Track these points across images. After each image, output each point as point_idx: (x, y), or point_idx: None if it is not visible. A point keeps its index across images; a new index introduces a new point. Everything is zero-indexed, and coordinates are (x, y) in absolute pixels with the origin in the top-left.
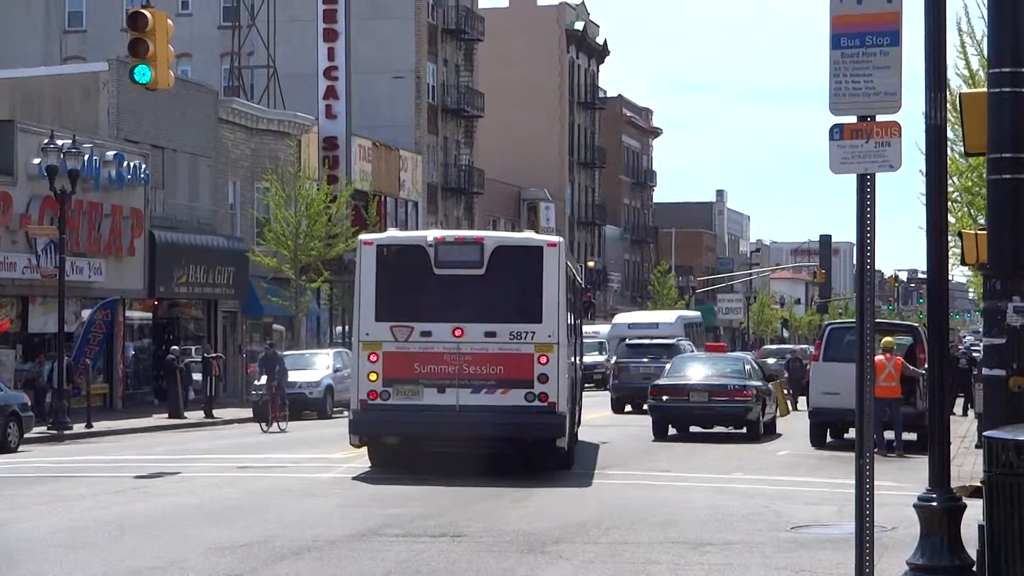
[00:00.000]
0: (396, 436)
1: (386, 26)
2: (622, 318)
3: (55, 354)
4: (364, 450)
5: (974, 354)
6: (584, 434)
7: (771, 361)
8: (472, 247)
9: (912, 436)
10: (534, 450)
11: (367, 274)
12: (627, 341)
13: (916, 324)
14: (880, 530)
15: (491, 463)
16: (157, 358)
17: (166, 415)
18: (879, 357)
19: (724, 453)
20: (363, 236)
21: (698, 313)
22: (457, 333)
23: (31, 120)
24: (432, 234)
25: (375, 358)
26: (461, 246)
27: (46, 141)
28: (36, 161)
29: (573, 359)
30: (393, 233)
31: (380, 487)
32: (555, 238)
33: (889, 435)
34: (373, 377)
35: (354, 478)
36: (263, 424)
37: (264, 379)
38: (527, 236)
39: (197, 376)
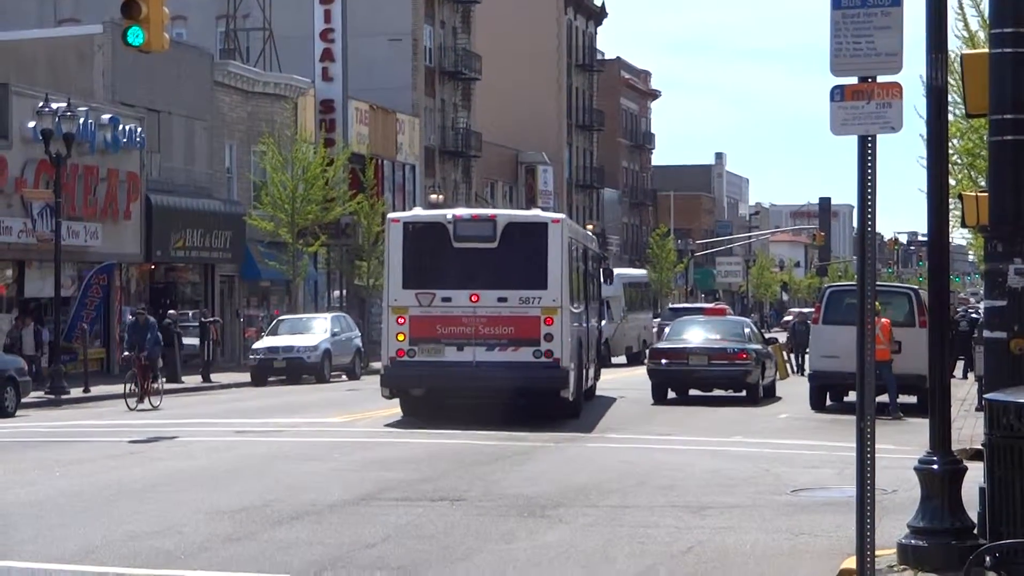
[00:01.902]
0: (421, 388)
1: None
2: None
3: (43, 318)
4: (363, 415)
5: (973, 316)
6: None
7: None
8: (486, 223)
9: (912, 399)
10: (541, 401)
11: (395, 248)
12: None
13: (915, 286)
14: (881, 493)
15: (503, 414)
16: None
17: (163, 379)
18: None
19: (724, 416)
20: (391, 215)
21: (643, 272)
22: (473, 299)
23: (25, 83)
24: (451, 212)
25: (402, 321)
26: (476, 223)
27: (41, 104)
28: (31, 124)
29: (584, 323)
30: (417, 212)
31: (379, 452)
32: (559, 215)
33: (882, 399)
34: (401, 337)
35: (353, 442)
36: (128, 401)
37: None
38: (534, 213)
39: (191, 340)
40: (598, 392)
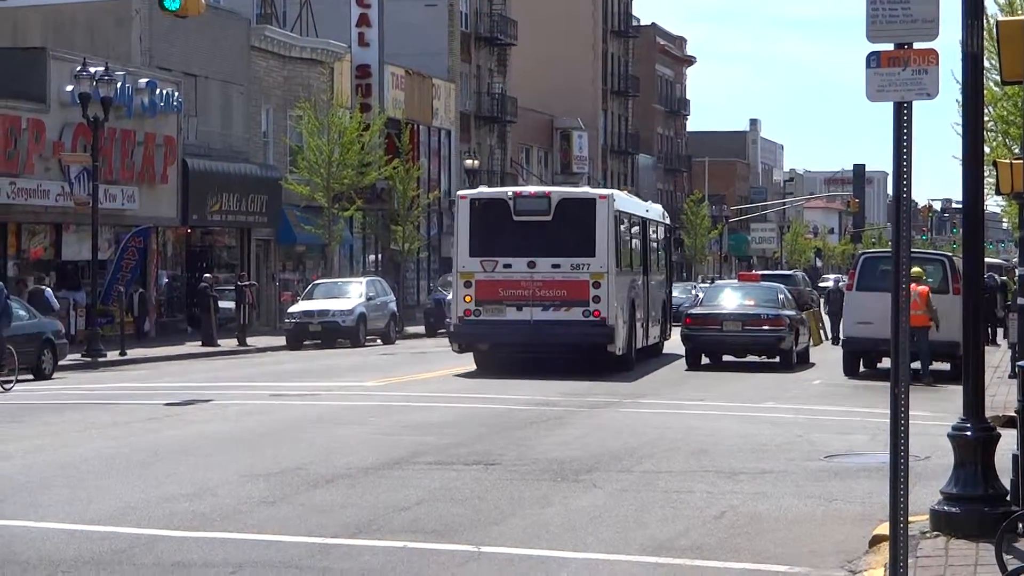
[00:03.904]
0: (485, 344)
1: None
2: None
3: (80, 281)
4: (398, 378)
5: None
6: None
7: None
8: (542, 199)
9: (946, 366)
10: (591, 354)
11: (463, 221)
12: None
13: (949, 253)
14: (914, 459)
15: (555, 370)
16: (190, 286)
17: (199, 343)
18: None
19: (757, 382)
20: (460, 192)
21: None
22: (531, 265)
23: (63, 47)
24: (511, 190)
25: (469, 285)
26: (534, 199)
27: (79, 68)
28: (69, 88)
29: (639, 287)
30: (483, 189)
31: (413, 415)
32: (606, 191)
33: (915, 364)
34: (468, 299)
35: (387, 406)
36: None
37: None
38: (584, 190)
39: (227, 304)
40: (666, 350)
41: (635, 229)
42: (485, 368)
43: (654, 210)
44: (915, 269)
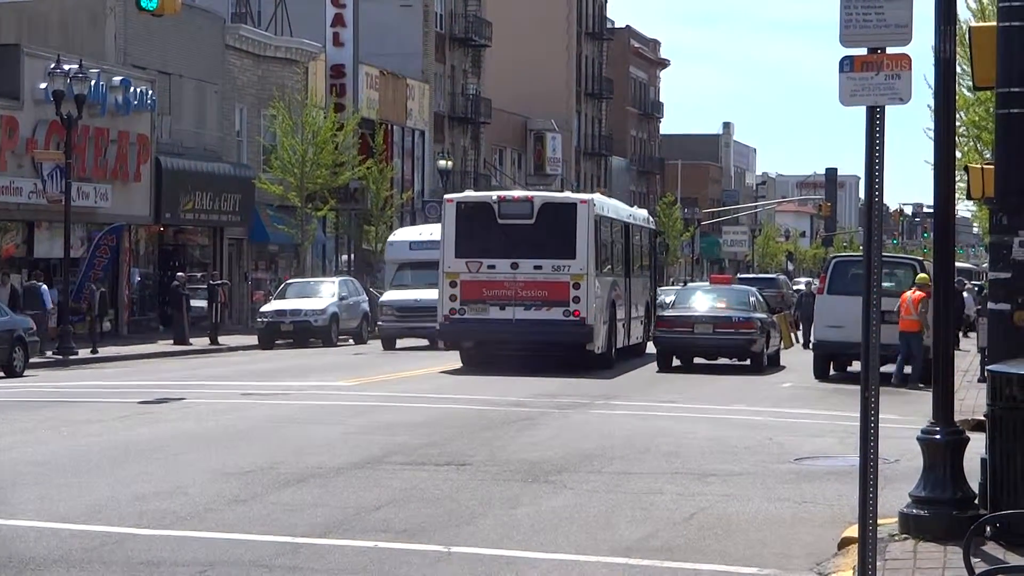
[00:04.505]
0: (470, 341)
1: None
2: (402, 234)
3: (52, 279)
4: (370, 378)
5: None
6: None
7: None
8: (525, 203)
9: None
10: (570, 352)
11: (449, 223)
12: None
13: (919, 257)
14: (883, 462)
15: (538, 366)
16: (163, 285)
17: (171, 341)
18: (906, 292)
19: (728, 385)
20: (447, 196)
21: None
22: (514, 266)
23: (37, 45)
24: (496, 194)
25: (455, 284)
26: (517, 203)
27: (52, 66)
28: (42, 86)
29: (620, 288)
30: (468, 193)
31: (385, 416)
32: (587, 196)
33: (907, 369)
34: (453, 298)
35: (359, 406)
36: None
37: None
38: (566, 195)
39: (199, 303)
40: (650, 350)
41: (617, 233)
42: (467, 366)
43: (638, 215)
44: (921, 275)
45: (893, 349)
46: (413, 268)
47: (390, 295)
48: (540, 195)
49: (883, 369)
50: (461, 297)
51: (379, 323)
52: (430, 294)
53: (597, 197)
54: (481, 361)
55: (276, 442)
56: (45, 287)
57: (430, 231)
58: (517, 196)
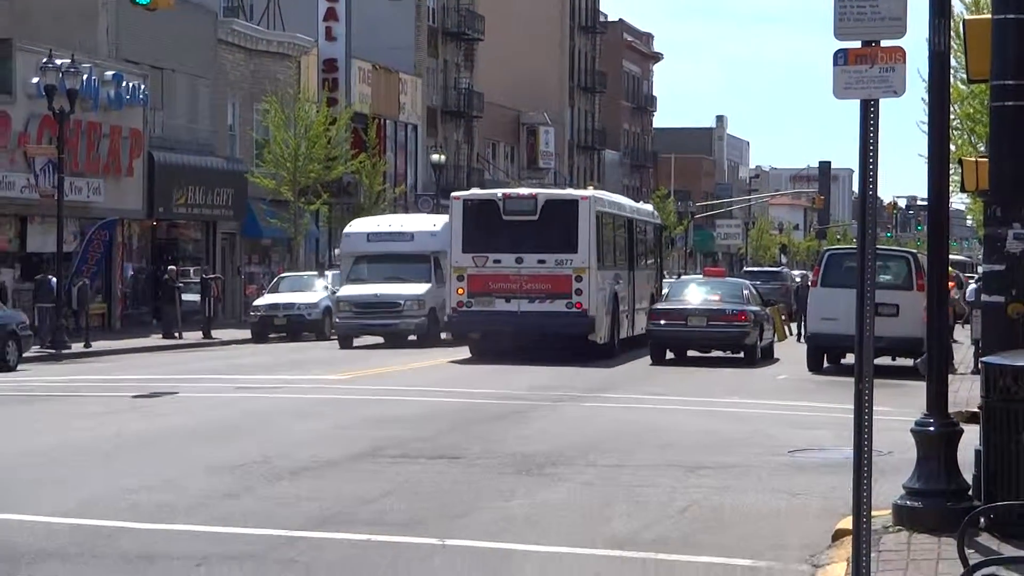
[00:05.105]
0: (477, 333)
1: None
2: (359, 225)
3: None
4: (363, 372)
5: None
6: None
7: None
8: (529, 200)
9: (909, 362)
10: (574, 343)
11: (457, 220)
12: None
13: (913, 250)
14: (876, 454)
15: (543, 356)
16: (155, 279)
17: (162, 335)
18: None
19: (721, 377)
20: (454, 193)
21: None
22: (518, 260)
23: (30, 39)
24: (501, 191)
25: (462, 279)
26: (521, 199)
27: (44, 60)
28: (34, 80)
29: (623, 281)
30: (475, 191)
31: (379, 409)
32: (588, 192)
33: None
34: (460, 292)
35: (353, 399)
36: None
37: None
38: (568, 192)
39: (191, 297)
40: None
41: (620, 227)
42: (473, 356)
43: (643, 210)
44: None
45: (885, 342)
46: (371, 261)
47: (347, 290)
48: (543, 192)
49: (877, 362)
50: (468, 290)
51: (336, 320)
52: (390, 288)
53: (600, 193)
54: (487, 351)
55: (269, 436)
56: (54, 280)
57: (388, 222)
58: (521, 193)
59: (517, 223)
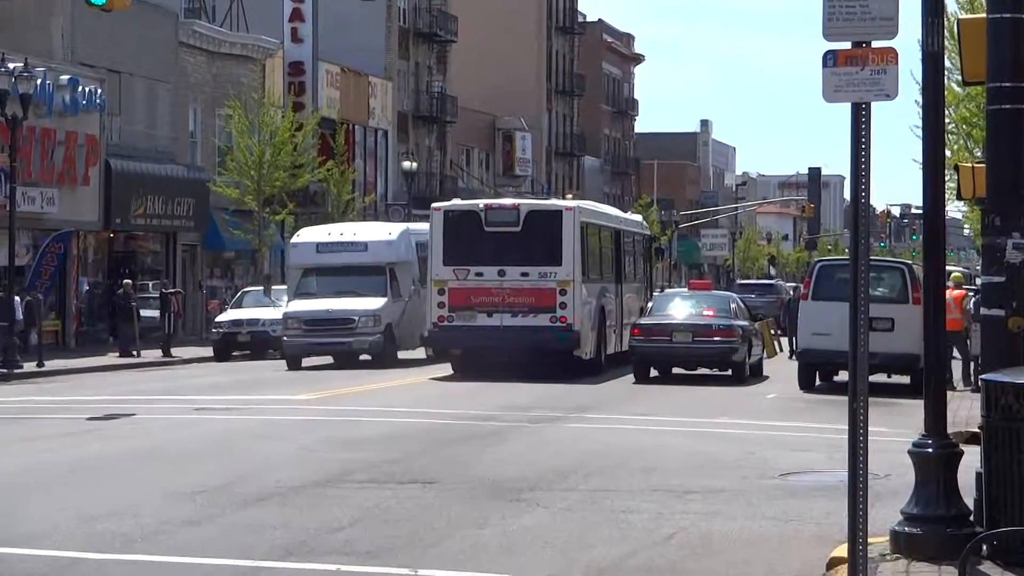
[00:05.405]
0: (458, 349)
1: None
2: (308, 235)
3: None
4: (330, 391)
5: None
6: None
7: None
8: (511, 211)
9: (905, 380)
10: (558, 359)
11: (437, 231)
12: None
13: (908, 261)
14: (873, 478)
15: (527, 372)
16: (112, 293)
17: (118, 354)
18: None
19: (708, 396)
20: (434, 204)
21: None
22: (501, 273)
23: None
24: (483, 202)
25: (443, 292)
26: (503, 210)
27: None
28: None
29: (610, 295)
30: (456, 202)
31: (347, 431)
32: (572, 203)
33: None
34: (441, 306)
35: (319, 420)
36: None
37: None
38: (552, 202)
39: (150, 313)
40: None
41: (607, 238)
42: (462, 372)
43: (631, 220)
44: (956, 274)
45: (880, 358)
46: (321, 274)
47: (295, 305)
48: (526, 203)
49: (871, 379)
50: (449, 304)
51: (283, 339)
52: (342, 304)
53: (585, 203)
54: (469, 367)
55: (232, 460)
56: (17, 298)
57: (340, 231)
58: (504, 204)
59: (499, 235)
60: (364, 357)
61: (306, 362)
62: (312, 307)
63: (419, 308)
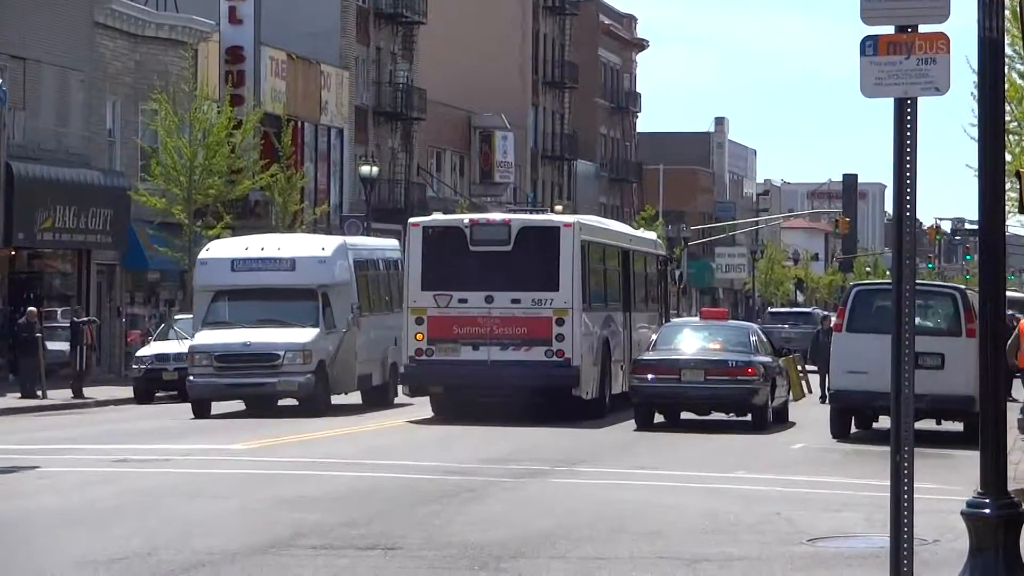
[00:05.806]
0: (439, 387)
1: None
2: (219, 249)
3: None
4: (272, 440)
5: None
6: None
7: None
8: (501, 227)
9: (958, 427)
10: (555, 399)
11: (415, 250)
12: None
13: (962, 286)
14: (919, 543)
15: (517, 413)
16: (12, 323)
17: (19, 395)
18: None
19: (724, 446)
20: (412, 219)
21: (393, 243)
22: (489, 300)
23: None
24: (468, 217)
25: (421, 321)
26: (492, 226)
27: None
28: None
29: (615, 325)
30: (436, 216)
31: (293, 487)
32: (571, 218)
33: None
34: (419, 337)
35: (261, 474)
36: None
37: None
38: (547, 217)
39: (59, 346)
40: None
41: (612, 260)
42: (441, 413)
43: (643, 238)
44: None
45: (927, 400)
46: (237, 298)
47: (204, 337)
48: (518, 218)
49: (918, 426)
50: (428, 335)
51: (188, 378)
52: (264, 335)
53: (587, 218)
54: (451, 408)
55: (157, 521)
56: None
57: (260, 244)
58: (492, 219)
59: (487, 255)
60: (288, 401)
61: (218, 407)
62: (225, 339)
63: (357, 342)
